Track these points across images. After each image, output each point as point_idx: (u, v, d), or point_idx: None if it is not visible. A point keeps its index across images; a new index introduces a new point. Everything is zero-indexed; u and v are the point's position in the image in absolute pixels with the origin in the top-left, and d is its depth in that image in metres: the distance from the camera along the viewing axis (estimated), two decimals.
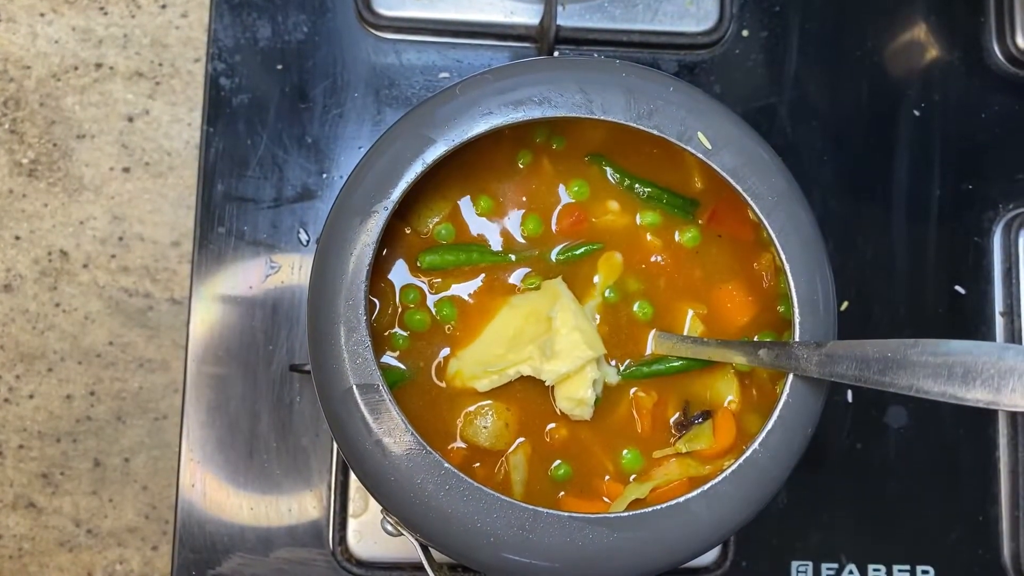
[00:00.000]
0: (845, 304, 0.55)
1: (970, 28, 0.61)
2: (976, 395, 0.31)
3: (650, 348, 0.44)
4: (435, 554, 0.43)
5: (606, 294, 0.44)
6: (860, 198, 0.60)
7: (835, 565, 0.56)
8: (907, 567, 0.55)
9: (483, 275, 0.44)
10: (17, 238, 1.07)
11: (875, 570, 0.56)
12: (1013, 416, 0.56)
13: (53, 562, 1.05)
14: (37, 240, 1.07)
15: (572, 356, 0.40)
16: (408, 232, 0.44)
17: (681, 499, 0.37)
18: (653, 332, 0.43)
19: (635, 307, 0.44)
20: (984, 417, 0.57)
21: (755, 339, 0.43)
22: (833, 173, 0.59)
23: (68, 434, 1.06)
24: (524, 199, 0.45)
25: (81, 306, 1.06)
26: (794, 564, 0.56)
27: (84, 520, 1.05)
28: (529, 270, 0.44)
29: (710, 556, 0.54)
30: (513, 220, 0.45)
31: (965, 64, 0.61)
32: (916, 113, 0.60)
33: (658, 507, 0.36)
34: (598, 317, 0.44)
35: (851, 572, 0.56)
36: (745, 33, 0.60)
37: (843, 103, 0.60)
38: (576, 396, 0.41)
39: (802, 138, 0.59)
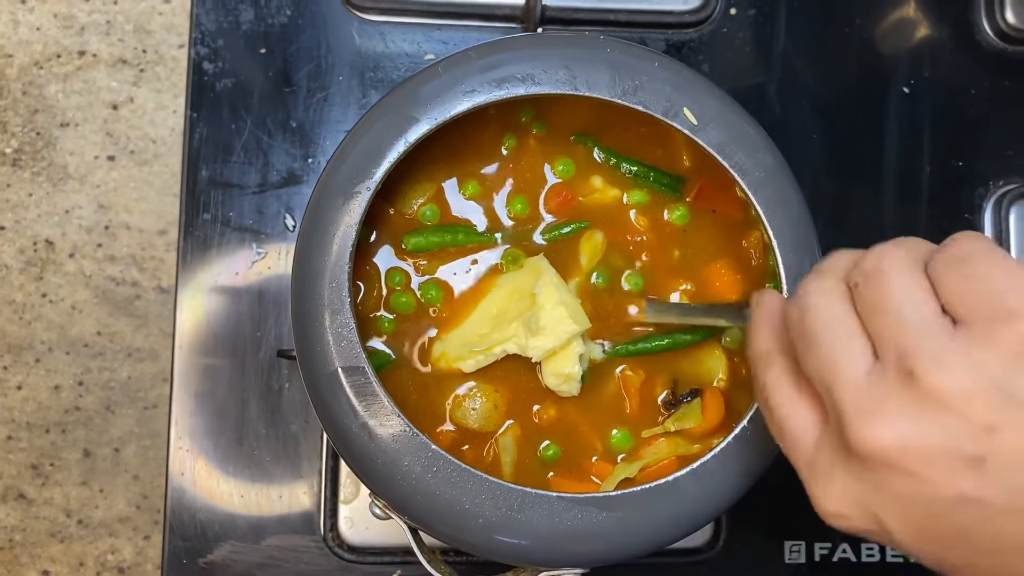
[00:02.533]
0: None
1: (959, 4, 0.61)
2: None
3: (640, 315, 0.43)
4: (425, 538, 0.43)
5: (593, 277, 0.44)
6: (850, 176, 0.59)
7: (828, 544, 0.56)
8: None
9: (469, 256, 0.43)
10: (2, 228, 1.06)
11: (868, 549, 0.56)
12: None
13: (45, 553, 1.05)
14: (22, 230, 1.06)
15: (557, 331, 0.40)
16: (392, 213, 0.43)
17: (670, 477, 0.36)
18: (644, 301, 0.43)
19: (623, 279, 0.44)
20: None
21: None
22: (822, 151, 0.59)
23: (57, 425, 1.06)
24: (510, 180, 0.44)
25: (68, 296, 1.06)
26: (787, 544, 0.56)
27: (75, 511, 1.05)
28: (508, 247, 0.44)
29: (703, 536, 0.54)
30: (499, 201, 0.44)
31: (954, 40, 0.60)
32: (905, 90, 0.60)
33: (647, 486, 0.36)
34: (581, 298, 0.43)
35: (844, 551, 0.56)
36: (733, 11, 0.59)
37: (832, 81, 0.60)
38: (563, 372, 0.41)
39: (791, 116, 0.59)
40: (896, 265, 0.28)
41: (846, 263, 0.30)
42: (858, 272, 0.29)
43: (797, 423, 0.30)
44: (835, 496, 0.29)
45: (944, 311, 0.27)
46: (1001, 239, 0.58)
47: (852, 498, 0.28)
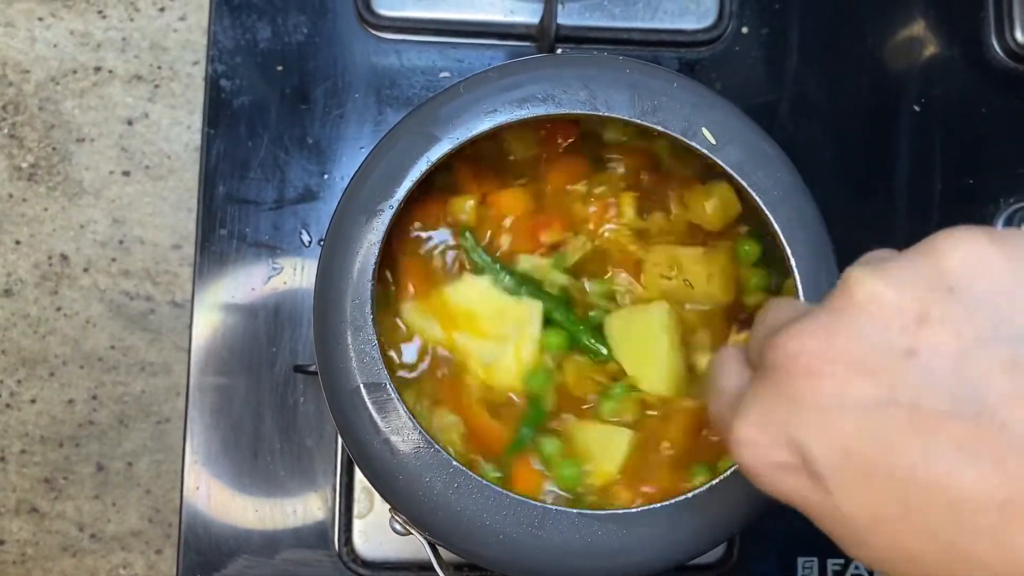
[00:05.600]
0: None
1: (969, 23, 0.61)
2: None
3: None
4: (443, 553, 0.43)
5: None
6: (861, 194, 0.60)
7: (841, 560, 0.56)
8: None
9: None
10: (17, 243, 1.07)
11: None
12: None
13: (57, 567, 1.05)
14: (37, 244, 1.07)
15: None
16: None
17: (690, 494, 0.37)
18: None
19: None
20: None
21: None
22: (834, 169, 0.59)
23: (70, 438, 1.06)
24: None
25: (82, 310, 1.06)
26: (800, 560, 0.56)
27: (87, 525, 1.05)
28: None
29: (716, 553, 0.54)
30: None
31: (965, 59, 0.61)
32: (916, 108, 0.60)
33: (668, 503, 0.36)
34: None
35: (857, 567, 0.56)
36: (745, 30, 0.60)
37: (843, 99, 0.60)
38: None
39: (803, 135, 0.59)
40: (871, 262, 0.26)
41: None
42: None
43: (732, 379, 0.28)
44: (749, 421, 0.25)
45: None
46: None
47: (766, 419, 0.25)
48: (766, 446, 0.25)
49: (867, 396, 0.23)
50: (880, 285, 0.23)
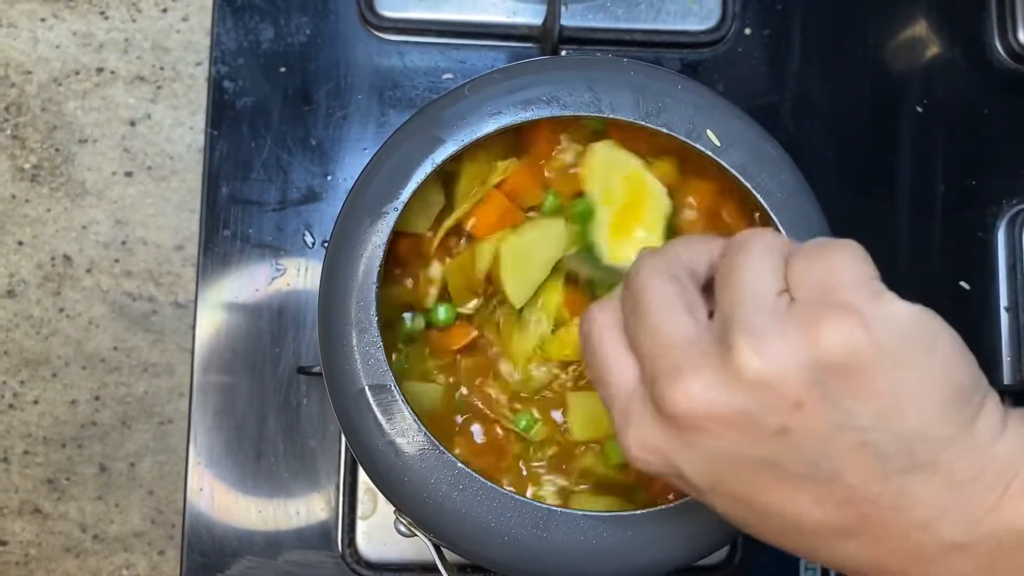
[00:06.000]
0: None
1: (971, 24, 0.61)
2: None
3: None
4: (448, 554, 0.43)
5: None
6: (863, 195, 0.60)
7: None
8: None
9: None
10: (20, 243, 1.07)
11: None
12: None
13: (60, 568, 1.05)
14: (40, 245, 1.07)
15: None
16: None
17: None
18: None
19: None
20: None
21: None
22: (836, 170, 0.59)
23: (73, 439, 1.06)
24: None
25: (85, 311, 1.06)
26: (802, 562, 0.56)
27: (90, 525, 1.05)
28: None
29: (720, 555, 0.54)
30: None
31: (967, 60, 0.61)
32: (919, 109, 0.60)
33: (672, 505, 0.37)
34: None
35: None
36: (748, 31, 0.60)
37: (846, 100, 0.60)
38: None
39: (805, 136, 0.59)
40: (758, 244, 0.29)
41: (707, 242, 0.31)
42: (728, 245, 0.30)
43: (617, 373, 0.31)
44: (640, 443, 0.30)
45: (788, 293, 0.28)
46: (1014, 257, 0.59)
47: (656, 448, 0.29)
48: (652, 463, 0.30)
49: (741, 452, 0.28)
50: (766, 371, 0.27)
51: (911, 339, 0.28)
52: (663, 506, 0.37)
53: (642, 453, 0.30)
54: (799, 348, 0.27)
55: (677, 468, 0.29)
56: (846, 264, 0.28)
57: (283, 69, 0.57)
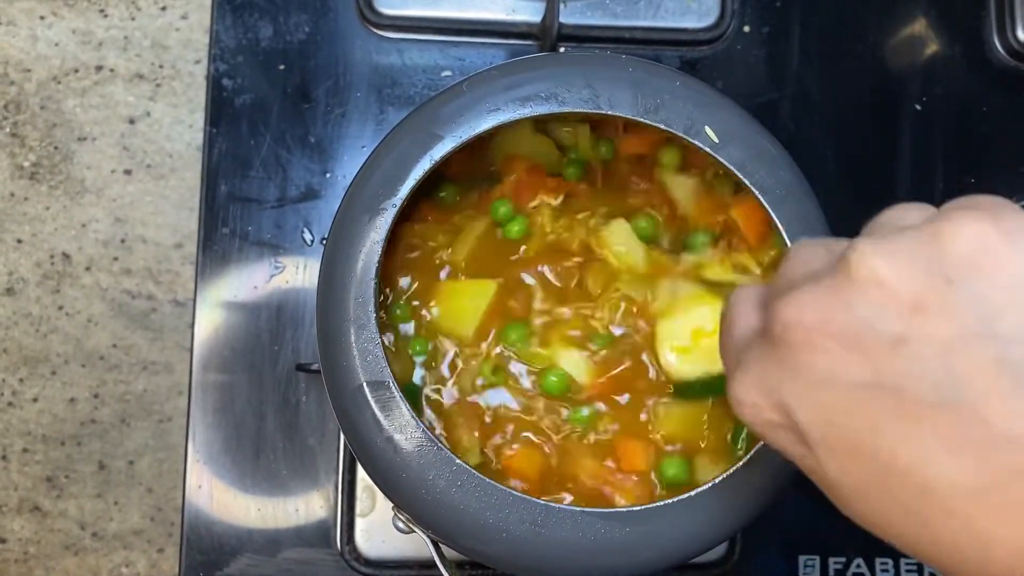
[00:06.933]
0: None
1: (970, 22, 0.61)
2: None
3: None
4: (446, 551, 0.43)
5: None
6: (862, 192, 0.60)
7: (843, 559, 0.56)
8: (914, 561, 0.55)
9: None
10: (19, 241, 1.07)
11: (882, 564, 0.56)
12: None
13: (59, 566, 1.05)
14: (39, 243, 1.07)
15: None
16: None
17: (693, 492, 0.37)
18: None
19: None
20: None
21: None
22: (835, 168, 0.59)
23: (72, 437, 1.06)
24: None
25: (84, 309, 1.06)
26: (801, 558, 0.56)
27: (89, 523, 1.05)
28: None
29: (718, 551, 0.54)
30: None
31: (966, 58, 0.61)
32: (917, 107, 0.60)
33: (670, 501, 0.37)
34: None
35: (859, 566, 0.56)
36: (747, 29, 0.60)
37: (845, 98, 0.60)
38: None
39: (804, 133, 0.59)
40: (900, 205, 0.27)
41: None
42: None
43: (740, 325, 0.29)
44: (747, 382, 0.26)
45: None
46: None
47: (763, 383, 0.26)
48: (761, 407, 0.26)
49: (855, 375, 0.24)
50: (881, 266, 0.23)
51: None
52: (661, 502, 0.37)
53: (750, 395, 0.26)
54: (920, 248, 0.23)
55: (786, 407, 0.25)
56: (990, 198, 0.25)
57: (282, 67, 0.57)
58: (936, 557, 0.24)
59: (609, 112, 0.38)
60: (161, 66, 1.08)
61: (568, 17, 0.57)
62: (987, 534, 0.22)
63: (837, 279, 0.24)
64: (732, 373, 0.27)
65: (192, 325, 0.55)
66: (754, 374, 0.26)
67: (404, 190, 0.38)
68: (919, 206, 0.26)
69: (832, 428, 0.24)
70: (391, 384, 0.37)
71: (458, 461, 0.37)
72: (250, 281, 0.55)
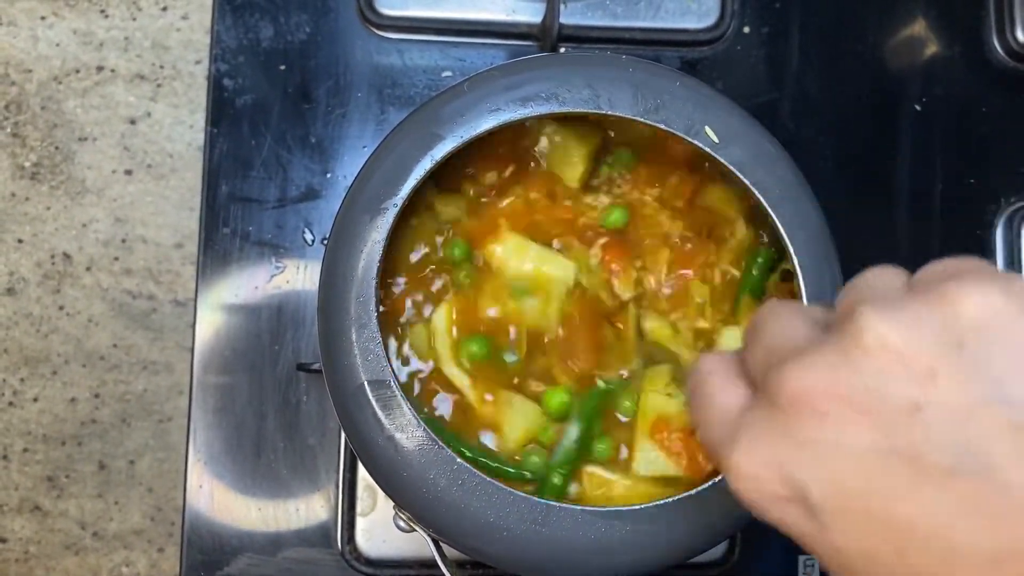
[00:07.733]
0: None
1: (970, 23, 0.61)
2: None
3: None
4: (447, 550, 0.43)
5: None
6: (862, 193, 0.60)
7: None
8: None
9: None
10: (20, 241, 1.07)
11: None
12: None
13: (59, 565, 1.05)
14: (40, 243, 1.07)
15: None
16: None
17: (694, 492, 0.37)
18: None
19: None
20: None
21: None
22: (835, 168, 0.60)
23: (73, 437, 1.06)
24: None
25: (84, 309, 1.06)
26: (801, 558, 0.56)
27: (90, 523, 1.05)
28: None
29: (718, 551, 0.55)
30: None
31: (966, 59, 0.61)
32: (917, 108, 0.60)
33: (670, 500, 0.37)
34: None
35: None
36: (746, 30, 0.60)
37: (844, 99, 0.60)
38: None
39: (803, 134, 0.60)
40: (876, 269, 0.27)
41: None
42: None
43: (722, 399, 0.27)
44: (751, 454, 0.25)
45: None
46: (1013, 255, 0.59)
47: (769, 456, 0.25)
48: (764, 480, 0.25)
49: (869, 442, 0.23)
50: (890, 332, 0.23)
51: None
52: (662, 501, 0.37)
53: (753, 468, 0.25)
54: (927, 313, 0.23)
55: (794, 480, 0.24)
56: (971, 261, 0.25)
57: (283, 67, 0.57)
58: None
59: (609, 112, 0.38)
60: (162, 66, 1.08)
61: (568, 18, 0.57)
62: None
63: (844, 346, 0.24)
64: (726, 454, 0.26)
65: (193, 325, 0.55)
66: (755, 446, 0.25)
67: (405, 190, 0.39)
68: (892, 269, 0.26)
69: (844, 495, 0.24)
70: (392, 383, 0.37)
71: (459, 460, 0.37)
72: (251, 281, 0.55)
